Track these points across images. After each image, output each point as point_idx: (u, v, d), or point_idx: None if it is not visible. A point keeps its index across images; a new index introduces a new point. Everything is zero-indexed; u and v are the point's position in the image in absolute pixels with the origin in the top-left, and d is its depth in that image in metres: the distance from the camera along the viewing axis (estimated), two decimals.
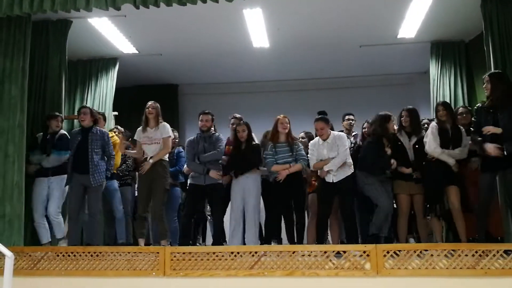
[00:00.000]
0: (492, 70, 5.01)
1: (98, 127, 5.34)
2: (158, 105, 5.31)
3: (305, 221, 5.28)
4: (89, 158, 5.09)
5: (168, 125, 5.32)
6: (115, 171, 5.70)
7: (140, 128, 5.32)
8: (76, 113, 6.45)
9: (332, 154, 4.98)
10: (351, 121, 6.02)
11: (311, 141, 5.28)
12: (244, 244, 5.10)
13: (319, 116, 5.21)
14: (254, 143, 5.34)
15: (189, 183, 5.34)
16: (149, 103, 5.29)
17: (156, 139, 5.18)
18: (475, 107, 4.98)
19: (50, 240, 5.26)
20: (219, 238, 5.26)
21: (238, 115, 5.86)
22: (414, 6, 5.84)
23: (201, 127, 5.32)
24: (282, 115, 5.29)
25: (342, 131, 5.74)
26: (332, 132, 5.17)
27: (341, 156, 4.95)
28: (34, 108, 5.70)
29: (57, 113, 5.59)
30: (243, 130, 5.26)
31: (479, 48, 5.52)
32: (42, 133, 5.52)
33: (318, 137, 5.19)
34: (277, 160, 5.14)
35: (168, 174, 5.26)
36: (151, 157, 5.12)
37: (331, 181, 4.95)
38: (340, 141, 5.05)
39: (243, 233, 5.17)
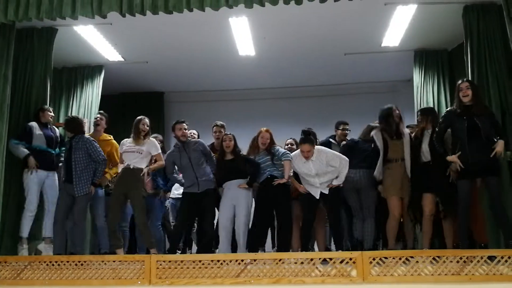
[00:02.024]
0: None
1: (83, 135, 5.26)
2: None
3: (291, 227, 5.26)
4: (72, 168, 5.09)
5: (156, 141, 5.34)
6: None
7: (127, 140, 5.24)
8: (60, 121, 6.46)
9: (322, 166, 4.94)
10: (346, 131, 5.80)
11: (292, 153, 5.18)
12: (235, 252, 5.04)
13: (305, 137, 5.08)
14: (242, 154, 5.28)
15: (183, 192, 5.31)
16: (144, 118, 5.25)
17: (140, 150, 5.14)
18: (445, 111, 4.93)
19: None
20: (211, 245, 5.20)
21: (219, 122, 5.85)
22: (397, 15, 5.92)
23: (180, 136, 5.23)
24: (264, 129, 5.25)
25: (334, 136, 5.76)
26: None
27: (344, 167, 4.95)
28: (18, 115, 5.61)
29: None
30: (230, 139, 5.20)
31: (461, 56, 5.61)
32: (34, 122, 5.46)
33: (297, 151, 5.12)
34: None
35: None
36: (147, 167, 5.17)
37: (318, 196, 4.96)
38: (325, 154, 5.00)
39: (231, 242, 5.14)
